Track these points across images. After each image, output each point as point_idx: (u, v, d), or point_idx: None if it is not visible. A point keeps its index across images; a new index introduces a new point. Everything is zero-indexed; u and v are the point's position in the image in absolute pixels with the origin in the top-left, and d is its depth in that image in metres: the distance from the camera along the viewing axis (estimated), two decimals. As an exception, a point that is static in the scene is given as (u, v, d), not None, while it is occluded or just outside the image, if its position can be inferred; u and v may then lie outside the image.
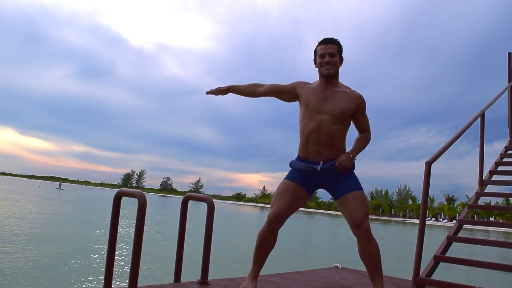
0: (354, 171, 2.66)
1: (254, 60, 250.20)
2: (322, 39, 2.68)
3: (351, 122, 2.74)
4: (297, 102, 2.80)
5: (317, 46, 2.69)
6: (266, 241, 2.63)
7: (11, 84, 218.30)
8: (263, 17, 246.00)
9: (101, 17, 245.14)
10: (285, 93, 2.80)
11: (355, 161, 2.66)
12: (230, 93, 2.91)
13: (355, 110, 2.66)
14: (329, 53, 2.61)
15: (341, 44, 2.69)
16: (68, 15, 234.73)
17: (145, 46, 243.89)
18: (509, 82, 6.71)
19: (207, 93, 2.90)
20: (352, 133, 2.77)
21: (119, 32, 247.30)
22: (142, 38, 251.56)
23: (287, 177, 2.68)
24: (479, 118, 5.05)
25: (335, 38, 2.68)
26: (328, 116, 2.58)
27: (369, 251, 2.51)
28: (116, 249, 2.56)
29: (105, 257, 2.50)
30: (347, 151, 2.67)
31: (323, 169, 2.57)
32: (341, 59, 2.68)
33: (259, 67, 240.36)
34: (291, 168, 2.73)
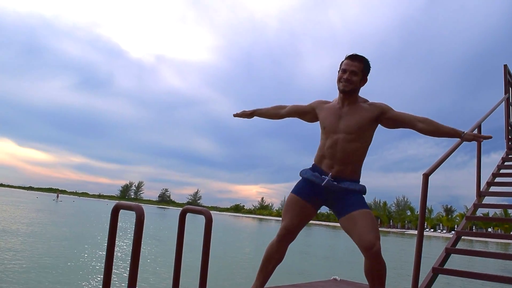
0: (364, 196, 2.58)
1: (252, 71, 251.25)
2: (350, 54, 2.63)
3: (372, 138, 2.64)
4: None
5: (344, 59, 2.65)
6: (274, 256, 2.60)
7: (10, 95, 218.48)
8: (261, 29, 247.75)
9: (101, 29, 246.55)
10: (306, 113, 2.84)
11: (364, 187, 2.59)
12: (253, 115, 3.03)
13: (377, 116, 2.59)
14: (351, 70, 2.56)
15: (369, 64, 2.63)
16: (68, 26, 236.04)
17: (144, 57, 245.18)
18: (505, 93, 6.76)
19: (234, 115, 3.05)
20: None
21: (118, 44, 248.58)
22: (141, 50, 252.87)
23: (295, 192, 2.64)
24: (476, 129, 5.08)
25: (365, 56, 2.62)
26: (344, 135, 2.54)
27: (376, 270, 2.42)
28: (114, 263, 2.55)
29: (103, 270, 2.49)
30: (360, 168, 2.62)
31: (328, 184, 2.51)
32: (365, 80, 2.63)
33: (257, 78, 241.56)
34: (300, 178, 2.69)
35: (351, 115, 2.58)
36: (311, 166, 2.69)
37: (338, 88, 2.62)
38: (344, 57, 2.65)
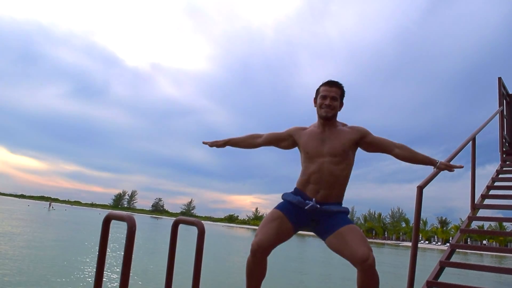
0: (348, 216, 2.56)
1: (248, 81, 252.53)
2: (326, 80, 2.68)
3: (354, 160, 2.67)
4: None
5: (321, 86, 2.68)
6: (253, 272, 2.49)
7: (4, 101, 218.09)
8: (258, 39, 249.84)
9: (97, 37, 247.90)
10: (282, 140, 2.82)
11: (348, 209, 2.58)
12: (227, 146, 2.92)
13: (358, 139, 2.64)
14: (331, 96, 2.60)
15: (345, 89, 2.68)
16: (64, 34, 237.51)
17: (140, 66, 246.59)
18: (499, 106, 6.80)
19: (203, 143, 2.94)
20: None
21: (114, 52, 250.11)
22: (137, 58, 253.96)
23: (276, 206, 2.60)
24: (471, 142, 5.09)
25: (340, 82, 2.67)
26: (330, 158, 2.55)
27: (370, 284, 2.35)
28: (104, 275, 2.50)
29: (93, 282, 2.44)
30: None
31: (312, 208, 2.49)
32: (341, 104, 2.67)
33: (254, 88, 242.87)
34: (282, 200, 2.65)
35: (335, 138, 2.60)
36: (293, 190, 2.65)
37: (320, 115, 2.64)
38: (320, 84, 2.70)
